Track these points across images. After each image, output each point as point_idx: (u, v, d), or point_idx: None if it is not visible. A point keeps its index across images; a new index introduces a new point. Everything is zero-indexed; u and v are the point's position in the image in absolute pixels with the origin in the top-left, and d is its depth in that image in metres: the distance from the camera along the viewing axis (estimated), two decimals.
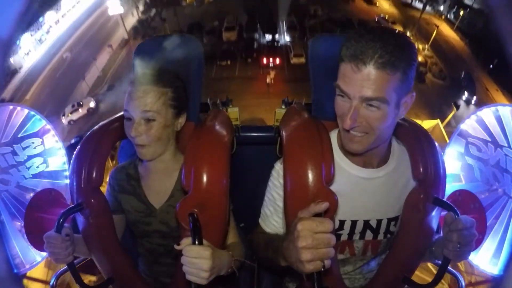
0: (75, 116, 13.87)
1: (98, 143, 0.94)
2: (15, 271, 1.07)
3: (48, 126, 1.21)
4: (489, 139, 1.11)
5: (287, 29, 19.48)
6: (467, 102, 13.45)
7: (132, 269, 0.97)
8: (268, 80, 15.06)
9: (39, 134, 1.19)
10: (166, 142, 0.93)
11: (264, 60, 16.47)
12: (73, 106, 14.23)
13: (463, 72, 14.51)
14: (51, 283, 1.00)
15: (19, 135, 1.14)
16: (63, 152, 1.23)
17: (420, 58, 16.28)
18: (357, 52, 0.67)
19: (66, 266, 0.88)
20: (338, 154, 0.85)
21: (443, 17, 19.00)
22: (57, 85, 15.55)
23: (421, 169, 0.84)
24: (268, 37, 18.98)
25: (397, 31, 0.71)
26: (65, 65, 17.19)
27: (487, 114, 1.12)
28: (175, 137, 0.97)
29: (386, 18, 18.93)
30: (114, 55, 17.99)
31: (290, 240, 0.66)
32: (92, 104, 14.19)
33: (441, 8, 20.06)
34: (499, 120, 1.09)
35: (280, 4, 19.98)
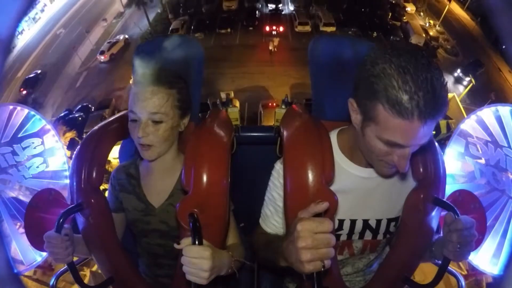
0: (115, 50, 15.15)
1: (98, 143, 0.94)
2: (15, 271, 1.07)
3: (48, 126, 1.21)
4: (489, 139, 1.11)
5: None
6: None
7: (132, 269, 0.97)
8: (271, 47, 14.29)
9: (39, 134, 1.19)
10: (171, 142, 0.94)
11: (267, 28, 15.67)
12: (109, 42, 15.45)
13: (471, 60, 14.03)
14: (51, 283, 1.00)
15: (19, 135, 1.14)
16: (63, 152, 1.23)
17: (431, 33, 16.04)
18: (432, 111, 0.61)
19: (66, 266, 0.88)
20: (338, 154, 0.85)
21: None
22: (49, 60, 15.26)
23: (421, 169, 0.84)
24: (271, 6, 18.00)
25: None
26: (58, 41, 16.85)
27: (487, 114, 1.12)
28: (178, 138, 0.97)
29: None
30: (109, 28, 17.57)
31: (290, 240, 0.65)
32: (126, 36, 15.79)
33: None
34: (499, 120, 1.09)
35: None
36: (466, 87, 12.34)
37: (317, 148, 0.81)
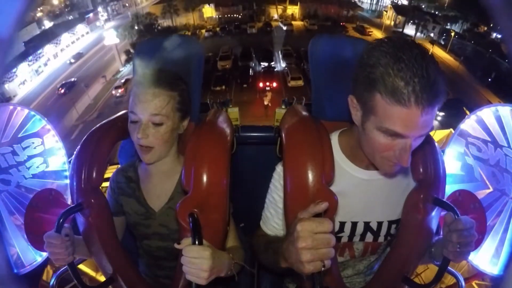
0: (130, 86, 16.05)
1: (98, 143, 0.94)
2: (15, 271, 1.08)
3: (48, 126, 1.21)
4: (489, 139, 1.11)
5: (283, 57, 19.49)
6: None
7: (132, 269, 0.97)
8: (266, 102, 14.70)
9: (39, 134, 1.18)
10: (171, 145, 0.93)
11: (261, 84, 16.18)
12: (123, 80, 17.77)
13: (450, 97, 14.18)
14: (51, 283, 1.00)
15: (19, 135, 1.14)
16: (63, 152, 1.23)
17: None
18: (429, 96, 0.61)
19: (66, 266, 0.88)
20: (339, 155, 0.85)
21: (434, 44, 19.69)
22: (46, 112, 15.60)
23: (421, 169, 0.84)
24: (264, 64, 18.80)
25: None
26: (57, 94, 17.55)
27: (487, 114, 1.12)
28: (177, 140, 0.97)
29: None
30: (107, 85, 18.25)
31: (289, 241, 0.65)
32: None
33: (431, 34, 20.82)
34: (499, 120, 1.09)
35: (274, 39, 20.04)
36: (440, 123, 12.63)
37: (317, 148, 0.81)
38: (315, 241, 0.61)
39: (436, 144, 0.89)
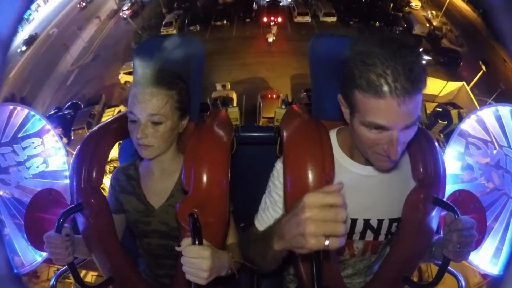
0: (135, 8, 17.21)
1: (98, 143, 0.94)
2: (15, 271, 1.07)
3: (48, 126, 1.21)
4: (489, 139, 1.11)
5: None
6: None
7: (132, 269, 0.97)
8: (270, 39, 13.71)
9: (39, 134, 1.19)
10: (170, 143, 0.94)
11: (265, 19, 14.96)
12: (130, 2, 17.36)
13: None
14: (51, 283, 1.00)
15: (19, 135, 1.14)
16: (63, 152, 1.23)
17: (435, 23, 15.81)
18: (402, 85, 0.62)
19: (66, 266, 0.88)
20: (338, 152, 0.85)
21: None
22: (40, 60, 15.09)
23: (421, 169, 0.84)
24: None
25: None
26: (51, 40, 16.72)
27: (487, 114, 1.12)
28: (177, 138, 0.97)
29: None
30: (102, 25, 17.38)
31: (292, 214, 0.60)
32: None
33: None
34: (499, 120, 1.09)
35: None
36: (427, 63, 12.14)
37: (317, 147, 0.81)
38: (322, 211, 0.56)
39: (436, 144, 0.89)
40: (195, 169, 0.83)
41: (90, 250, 0.94)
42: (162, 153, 0.93)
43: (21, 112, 1.15)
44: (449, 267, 0.82)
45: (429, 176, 0.84)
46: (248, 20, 15.90)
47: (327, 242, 0.55)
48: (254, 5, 17.03)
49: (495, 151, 1.09)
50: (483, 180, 1.12)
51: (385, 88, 0.63)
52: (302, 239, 0.57)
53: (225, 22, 15.53)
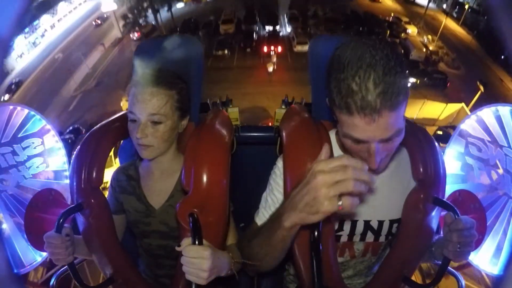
0: (146, 30, 18.48)
1: (98, 143, 0.94)
2: (15, 271, 1.08)
3: (48, 126, 1.21)
4: (489, 139, 1.11)
5: (288, 20, 18.41)
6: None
7: (132, 269, 0.97)
8: (270, 68, 13.91)
9: (39, 134, 1.19)
10: (170, 143, 0.94)
11: (265, 49, 15.27)
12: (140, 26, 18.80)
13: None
14: (51, 283, 1.00)
15: (19, 135, 1.14)
16: (63, 152, 1.23)
17: (431, 47, 16.13)
18: (370, 104, 0.60)
19: (66, 266, 0.88)
20: (337, 152, 0.85)
21: (447, 15, 19.07)
22: (45, 84, 15.33)
23: (421, 169, 0.84)
24: (269, 28, 17.74)
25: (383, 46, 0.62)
26: (56, 65, 17.09)
27: (487, 114, 1.12)
28: (177, 138, 0.97)
29: (399, 17, 18.23)
30: (106, 53, 17.77)
31: (303, 183, 0.62)
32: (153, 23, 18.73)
33: (444, 6, 20.28)
34: (499, 120, 1.09)
35: (280, 2, 19.25)
36: (412, 86, 12.45)
37: (317, 148, 0.81)
38: (331, 174, 0.57)
39: (436, 144, 0.89)
40: (195, 169, 0.83)
41: (90, 250, 0.94)
42: (162, 153, 0.93)
43: (21, 112, 1.15)
44: (449, 267, 0.82)
45: (429, 176, 0.84)
46: (248, 50, 16.19)
47: (340, 203, 0.57)
48: (254, 35, 17.38)
49: (495, 151, 1.09)
50: (483, 180, 1.12)
51: (353, 107, 0.61)
52: (316, 204, 0.59)
53: (226, 52, 15.77)
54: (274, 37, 16.84)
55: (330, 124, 0.91)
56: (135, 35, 18.18)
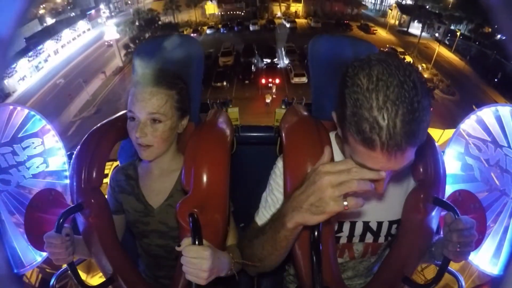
0: None
1: (98, 143, 0.94)
2: (15, 271, 1.08)
3: (48, 126, 1.21)
4: (489, 139, 1.11)
5: (286, 54, 18.97)
6: None
7: (132, 269, 0.97)
8: (267, 100, 14.17)
9: (39, 134, 1.18)
10: (170, 143, 0.94)
11: (263, 80, 15.63)
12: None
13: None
14: (51, 283, 1.00)
15: (19, 135, 1.14)
16: (63, 152, 1.23)
17: (426, 75, 16.43)
18: (397, 143, 0.55)
19: (66, 266, 0.88)
20: (338, 155, 0.85)
21: (440, 43, 19.57)
22: (45, 107, 15.54)
23: (421, 169, 0.84)
24: (267, 60, 18.33)
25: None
26: (57, 90, 17.38)
27: (487, 114, 1.12)
28: (176, 138, 0.97)
29: (395, 48, 18.51)
30: (107, 81, 18.08)
31: (308, 183, 0.62)
32: None
33: (436, 34, 20.77)
34: (499, 120, 1.09)
35: (277, 36, 19.77)
36: None
37: (317, 148, 0.81)
38: (337, 175, 0.59)
39: (436, 144, 0.89)
40: (195, 169, 0.83)
41: (90, 250, 0.94)
42: (162, 154, 0.93)
43: (21, 112, 1.15)
44: (449, 267, 0.82)
45: (429, 176, 0.84)
46: (247, 81, 16.46)
47: (345, 203, 0.58)
48: (253, 68, 17.73)
49: (495, 151, 1.09)
50: (483, 180, 1.12)
51: (377, 143, 0.56)
52: (322, 204, 0.60)
53: (224, 83, 16.03)
54: (272, 69, 17.20)
55: (330, 124, 0.91)
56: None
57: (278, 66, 18.21)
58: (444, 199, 0.85)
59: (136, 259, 1.10)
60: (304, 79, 15.75)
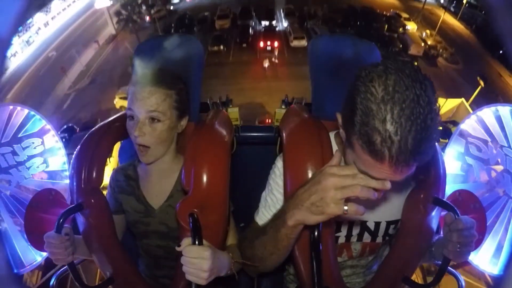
0: (158, 15, 18.56)
1: (98, 143, 0.94)
2: (15, 271, 1.08)
3: (48, 126, 1.21)
4: (489, 139, 1.11)
5: (285, 16, 18.24)
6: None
7: (132, 269, 0.97)
8: (265, 64, 13.80)
9: (39, 134, 1.18)
10: (169, 144, 0.93)
11: (261, 44, 15.04)
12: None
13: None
14: (51, 283, 1.00)
15: (19, 135, 1.14)
16: (63, 152, 1.23)
17: (429, 42, 16.02)
18: (405, 158, 0.55)
19: (66, 266, 0.88)
20: None
21: (445, 10, 18.94)
22: (39, 82, 15.07)
23: (421, 170, 0.84)
24: (265, 23, 17.53)
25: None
26: (50, 63, 16.83)
27: (487, 114, 1.12)
28: (176, 139, 0.97)
29: (399, 13, 17.83)
30: (100, 50, 17.51)
31: (312, 182, 0.63)
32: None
33: (442, 0, 20.21)
34: (499, 120, 1.09)
35: None
36: None
37: (317, 148, 0.81)
38: (341, 179, 0.60)
39: (436, 144, 0.88)
40: (195, 169, 0.83)
41: (90, 250, 0.94)
42: (161, 156, 0.93)
43: (21, 112, 1.15)
44: (449, 267, 0.82)
45: (429, 176, 0.84)
46: (244, 45, 15.94)
47: (346, 207, 0.59)
48: (250, 31, 17.13)
49: (495, 151, 1.09)
50: (483, 180, 1.12)
51: (386, 157, 0.56)
52: (322, 204, 0.60)
53: (221, 47, 15.53)
54: (270, 32, 16.57)
55: (330, 124, 0.91)
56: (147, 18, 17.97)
57: (277, 28, 17.49)
58: (444, 199, 0.85)
59: (136, 259, 1.10)
60: (303, 42, 14.99)
